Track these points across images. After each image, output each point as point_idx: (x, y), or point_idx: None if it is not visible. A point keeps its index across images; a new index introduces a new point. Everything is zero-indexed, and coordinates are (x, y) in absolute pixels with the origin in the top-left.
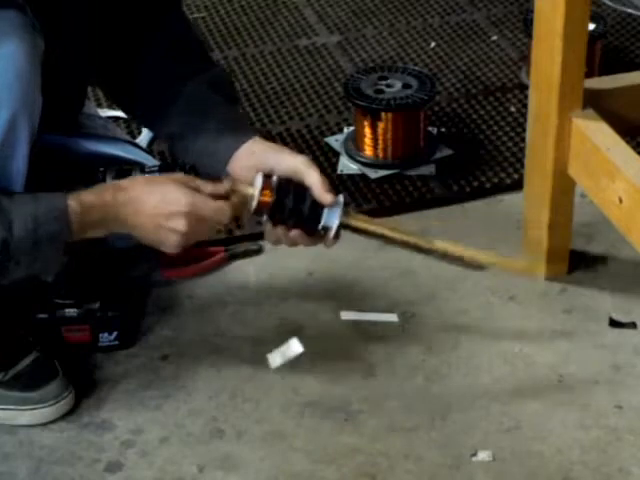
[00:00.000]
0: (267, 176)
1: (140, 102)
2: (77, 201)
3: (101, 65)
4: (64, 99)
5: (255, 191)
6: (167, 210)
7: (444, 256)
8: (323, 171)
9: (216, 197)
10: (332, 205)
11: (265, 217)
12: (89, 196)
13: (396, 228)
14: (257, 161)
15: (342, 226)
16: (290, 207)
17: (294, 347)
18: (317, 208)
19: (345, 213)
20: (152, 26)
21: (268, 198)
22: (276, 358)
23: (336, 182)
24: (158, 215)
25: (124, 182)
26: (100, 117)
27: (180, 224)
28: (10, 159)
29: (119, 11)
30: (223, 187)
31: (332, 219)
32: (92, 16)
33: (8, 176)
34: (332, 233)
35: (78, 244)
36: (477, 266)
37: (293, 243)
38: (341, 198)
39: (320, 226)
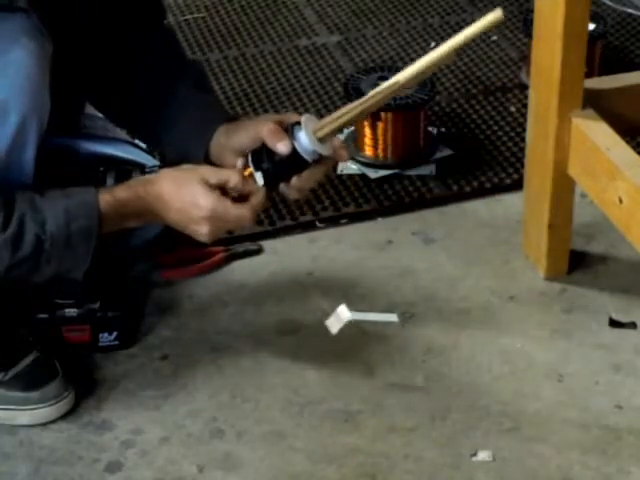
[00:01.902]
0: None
1: (131, 114)
2: (110, 195)
3: (93, 78)
4: (66, 100)
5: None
6: (191, 213)
7: (417, 78)
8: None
9: (240, 195)
10: (296, 138)
11: (271, 189)
12: (121, 191)
13: (358, 103)
14: (229, 148)
15: (323, 141)
16: (271, 167)
17: (344, 313)
18: (290, 153)
19: (315, 131)
20: (136, 42)
21: (251, 177)
22: (335, 325)
23: (335, 182)
24: (184, 215)
25: (153, 177)
26: (100, 118)
27: (203, 228)
28: (19, 161)
29: (111, 20)
30: (248, 182)
31: (307, 148)
32: (91, 21)
33: (18, 177)
34: (323, 152)
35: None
36: (449, 59)
37: (314, 183)
38: (305, 120)
39: (307, 158)
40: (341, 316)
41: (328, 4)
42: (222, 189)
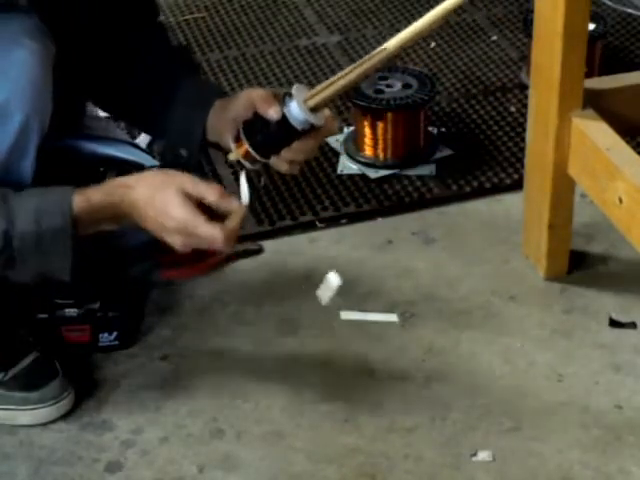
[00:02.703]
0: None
1: (135, 102)
2: (84, 197)
3: (94, 75)
4: (68, 100)
5: (234, 154)
6: (163, 222)
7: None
8: (323, 171)
9: (216, 213)
10: (287, 106)
11: (261, 159)
12: (97, 194)
13: (348, 70)
14: (224, 120)
15: (314, 110)
16: (263, 138)
17: (334, 280)
18: (281, 120)
19: (306, 100)
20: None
21: (242, 147)
22: (325, 294)
23: (335, 182)
24: (157, 224)
25: (131, 180)
26: (101, 118)
27: (175, 239)
28: (20, 161)
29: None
30: (226, 201)
31: (298, 116)
32: (91, 20)
33: (18, 177)
34: (314, 122)
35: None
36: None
37: (306, 155)
38: (295, 90)
39: (298, 127)
40: (331, 284)
41: (328, 4)
42: (199, 203)
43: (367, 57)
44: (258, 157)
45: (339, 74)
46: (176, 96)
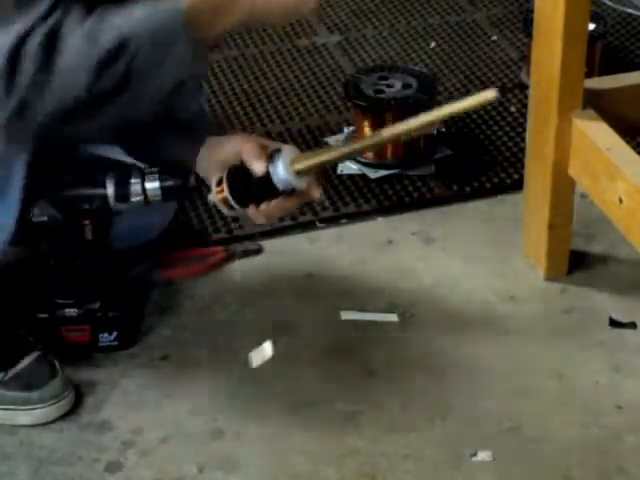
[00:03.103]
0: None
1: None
2: None
3: None
4: None
5: (212, 195)
6: None
7: (399, 137)
8: (323, 171)
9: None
10: (274, 164)
11: (238, 207)
12: None
13: (343, 144)
14: (212, 159)
15: (298, 174)
16: (243, 189)
17: (268, 350)
18: (264, 176)
19: (292, 162)
20: None
21: (222, 193)
22: (257, 358)
23: (335, 182)
24: None
25: None
26: None
27: None
28: (8, 181)
29: None
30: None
31: (280, 177)
32: None
33: (3, 198)
34: (295, 186)
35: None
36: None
37: (282, 212)
38: (285, 150)
39: (279, 187)
40: (264, 352)
41: (328, 4)
42: None
43: (361, 137)
44: (235, 205)
45: (333, 146)
46: (170, 133)
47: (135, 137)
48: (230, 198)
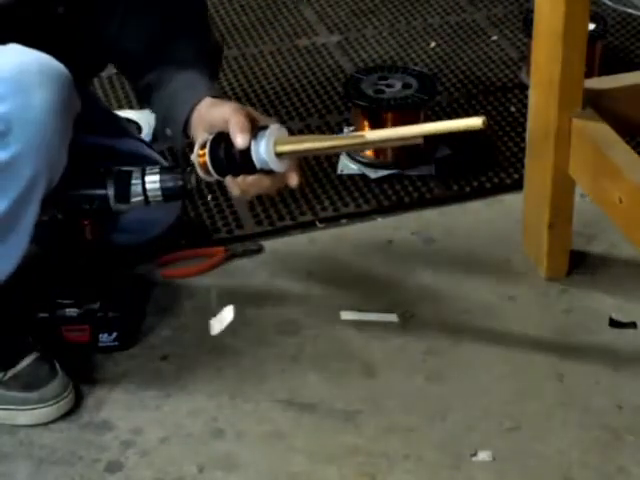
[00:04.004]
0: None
1: (129, 52)
2: None
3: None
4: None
5: (193, 156)
6: None
7: (382, 143)
8: (323, 171)
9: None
10: (257, 141)
11: (214, 174)
12: None
13: (326, 137)
14: (202, 120)
15: (279, 156)
16: (223, 157)
17: (228, 314)
18: (246, 151)
19: (276, 143)
20: None
21: (203, 157)
22: (215, 325)
23: (335, 182)
24: None
25: None
26: (113, 113)
27: None
28: (22, 213)
29: None
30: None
31: (260, 154)
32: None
33: (18, 228)
34: (273, 167)
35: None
36: (416, 140)
37: (257, 190)
38: (271, 129)
39: (256, 164)
40: (224, 317)
41: (328, 4)
42: None
43: (346, 135)
44: (213, 172)
45: (319, 136)
46: (170, 68)
47: (145, 76)
48: (209, 164)
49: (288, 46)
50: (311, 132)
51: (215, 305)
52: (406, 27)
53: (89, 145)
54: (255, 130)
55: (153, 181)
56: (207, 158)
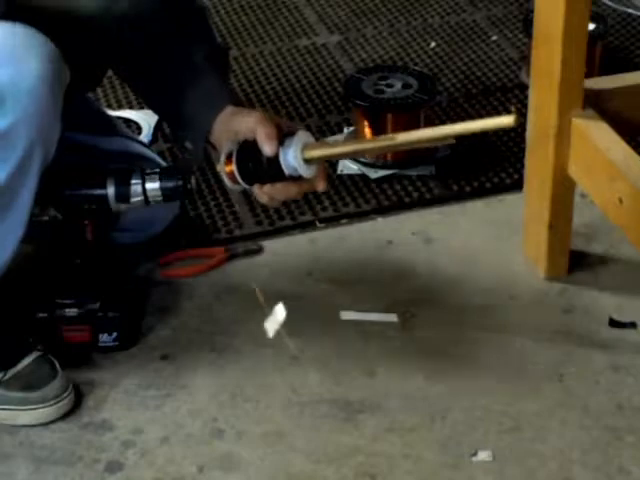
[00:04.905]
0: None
1: (134, 62)
2: None
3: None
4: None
5: (219, 167)
6: None
7: (413, 144)
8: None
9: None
10: (285, 148)
11: (243, 183)
12: None
13: (356, 140)
14: (226, 129)
15: (307, 162)
16: (251, 166)
17: (281, 311)
18: (274, 158)
19: (304, 148)
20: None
21: (230, 167)
22: (271, 327)
23: (336, 182)
24: None
25: None
26: (108, 115)
27: None
28: (20, 187)
29: None
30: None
31: (289, 161)
32: None
33: (17, 203)
34: (302, 173)
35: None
36: (448, 140)
37: (285, 196)
38: (299, 135)
39: (285, 171)
40: (277, 317)
41: (328, 4)
42: None
43: (375, 137)
44: (241, 181)
45: (347, 139)
46: (185, 77)
47: (158, 89)
48: (237, 173)
49: (288, 46)
50: (311, 132)
51: (264, 306)
52: (406, 27)
53: (75, 143)
54: (282, 137)
55: (153, 181)
56: (234, 167)
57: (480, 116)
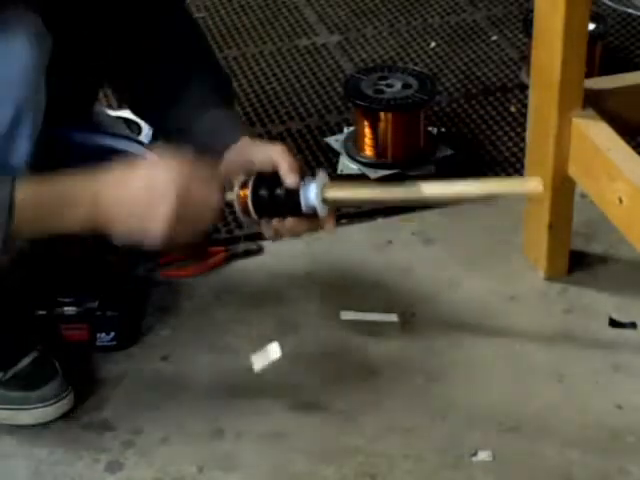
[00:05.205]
0: (248, 179)
1: (143, 100)
2: (31, 182)
3: (108, 62)
4: (75, 93)
5: (233, 195)
6: (155, 187)
7: (437, 200)
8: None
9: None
10: (306, 184)
11: (254, 215)
12: (67, 178)
13: (380, 190)
14: (241, 159)
15: (326, 202)
16: (266, 198)
17: (274, 351)
18: (294, 192)
19: (323, 188)
20: (155, 25)
21: (244, 197)
22: (259, 362)
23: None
24: (142, 196)
25: (106, 166)
26: (109, 116)
27: (166, 208)
28: (12, 154)
29: (121, 10)
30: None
31: (310, 197)
32: (99, 14)
33: (9, 171)
34: (319, 211)
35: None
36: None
37: (292, 233)
38: (320, 175)
39: (303, 207)
40: (268, 354)
41: (328, 4)
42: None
43: (400, 186)
44: (252, 212)
45: (370, 184)
46: (189, 108)
47: (170, 123)
48: (250, 204)
49: (288, 46)
50: (311, 132)
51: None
52: (406, 27)
53: (77, 142)
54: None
55: None
56: (248, 198)
57: (480, 117)
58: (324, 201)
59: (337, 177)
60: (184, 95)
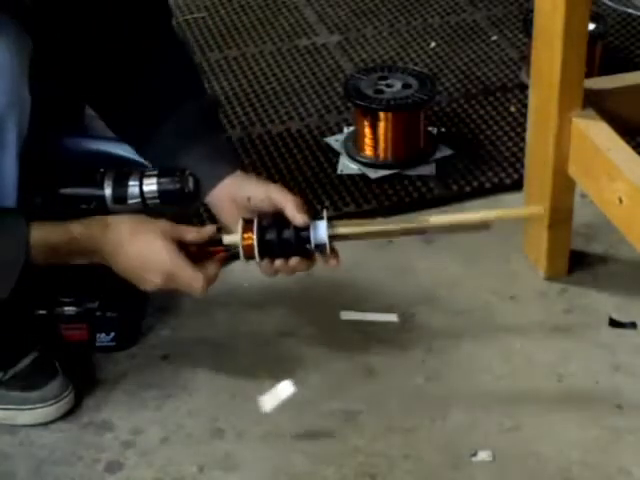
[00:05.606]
0: (248, 220)
1: (130, 125)
2: (56, 230)
3: (93, 86)
4: (67, 97)
5: (237, 238)
6: (146, 266)
7: (445, 229)
8: (323, 171)
9: (198, 250)
10: (315, 222)
11: (258, 258)
12: (77, 227)
13: (386, 222)
14: (236, 196)
15: (333, 238)
16: (275, 241)
17: (286, 388)
18: (301, 231)
19: (331, 225)
20: (141, 47)
21: (250, 241)
22: (268, 401)
23: (335, 182)
24: (136, 266)
25: (111, 219)
26: (99, 119)
27: (155, 281)
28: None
29: (108, 34)
30: (207, 232)
31: (320, 235)
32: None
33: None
34: (327, 248)
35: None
36: (481, 227)
37: (293, 271)
38: (324, 212)
39: (312, 246)
40: (280, 392)
41: (328, 4)
42: (180, 243)
43: (406, 220)
44: (257, 255)
45: (378, 222)
46: (177, 136)
47: (153, 152)
48: (256, 247)
49: (288, 46)
50: (311, 132)
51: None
52: (406, 27)
53: (74, 146)
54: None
55: (151, 183)
56: (254, 241)
57: (480, 117)
58: (334, 238)
59: (337, 177)
60: (168, 124)
